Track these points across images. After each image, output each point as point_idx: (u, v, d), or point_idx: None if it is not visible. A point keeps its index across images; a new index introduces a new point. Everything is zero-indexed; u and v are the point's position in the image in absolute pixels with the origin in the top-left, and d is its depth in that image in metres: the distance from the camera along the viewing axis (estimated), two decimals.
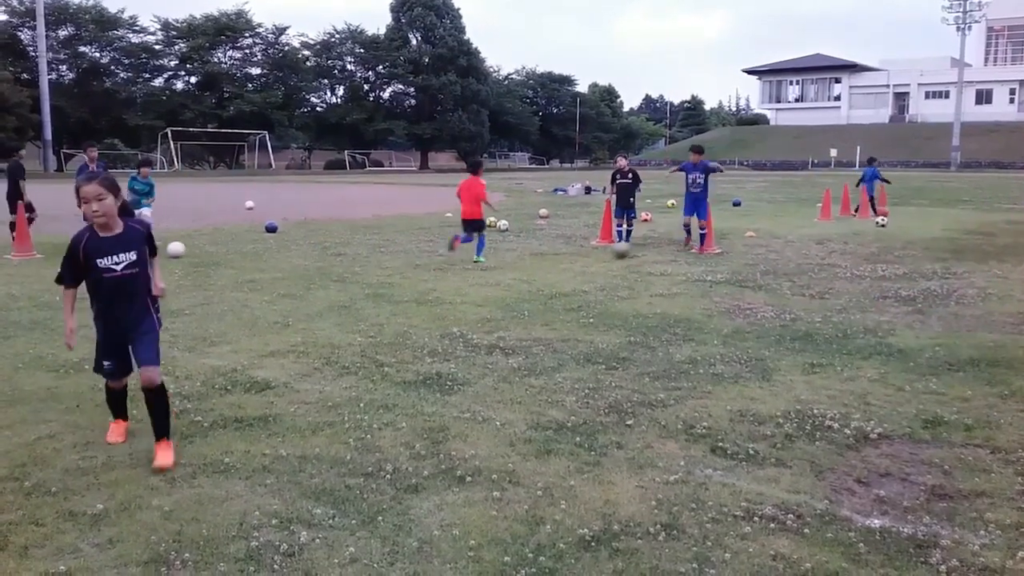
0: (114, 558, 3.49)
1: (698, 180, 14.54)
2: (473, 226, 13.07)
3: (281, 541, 3.61)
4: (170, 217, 20.74)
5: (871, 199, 21.87)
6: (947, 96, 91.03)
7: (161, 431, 4.62)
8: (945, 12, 79.24)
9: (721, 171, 16.44)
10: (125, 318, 4.66)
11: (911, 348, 7.12)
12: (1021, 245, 15.06)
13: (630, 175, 14.96)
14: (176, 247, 13.57)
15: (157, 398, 4.64)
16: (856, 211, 22.26)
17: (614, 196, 15.24)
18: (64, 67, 71.61)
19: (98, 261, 4.51)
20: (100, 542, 3.63)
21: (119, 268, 4.55)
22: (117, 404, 4.99)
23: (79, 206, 4.83)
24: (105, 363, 4.78)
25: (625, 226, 15.13)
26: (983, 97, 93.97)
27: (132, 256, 4.58)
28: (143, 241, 4.71)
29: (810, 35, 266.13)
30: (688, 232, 14.92)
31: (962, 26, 78.25)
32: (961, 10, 78.12)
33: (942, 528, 3.76)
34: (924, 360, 6.71)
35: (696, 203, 14.53)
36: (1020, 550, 3.54)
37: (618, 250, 13.47)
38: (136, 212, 13.90)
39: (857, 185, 22.48)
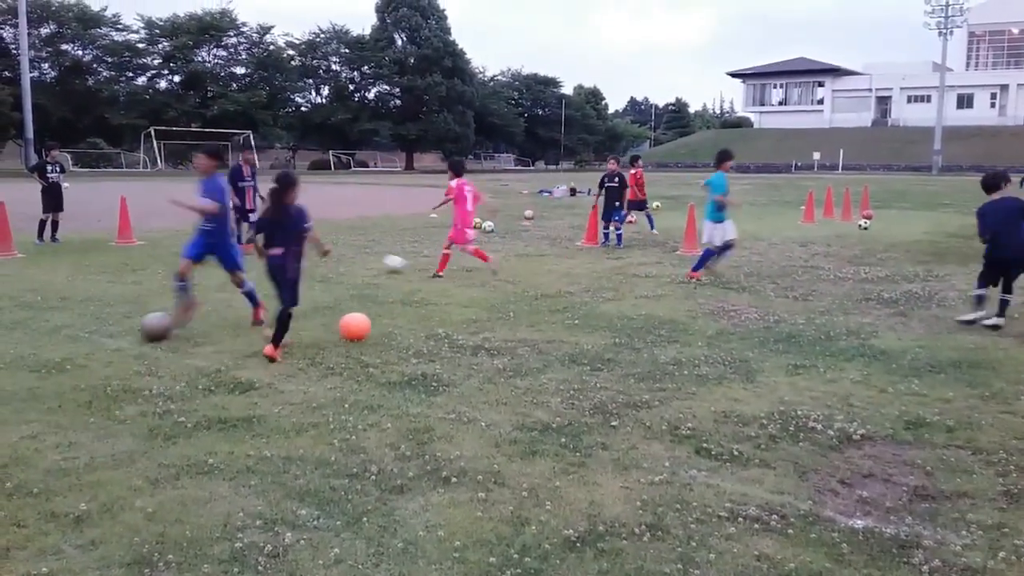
0: (97, 560, 3.47)
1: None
2: (640, 205, 17.79)
3: (265, 542, 3.60)
4: (154, 217, 20.59)
5: None
6: (929, 100, 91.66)
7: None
8: (927, 17, 79.92)
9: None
10: None
11: (893, 350, 7.17)
12: None
13: (617, 179, 14.99)
14: (393, 261, 12.06)
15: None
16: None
17: (601, 199, 15.27)
18: (46, 65, 70.98)
19: None
20: (83, 543, 3.61)
21: None
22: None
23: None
24: None
25: (613, 230, 15.16)
26: (964, 101, 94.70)
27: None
28: None
29: (794, 39, 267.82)
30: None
31: (944, 31, 78.84)
32: (943, 15, 78.75)
33: (924, 528, 3.79)
34: (906, 362, 6.76)
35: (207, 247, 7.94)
36: (1001, 550, 3.57)
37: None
38: (712, 226, 10.96)
39: None
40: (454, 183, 11.39)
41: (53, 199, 15.37)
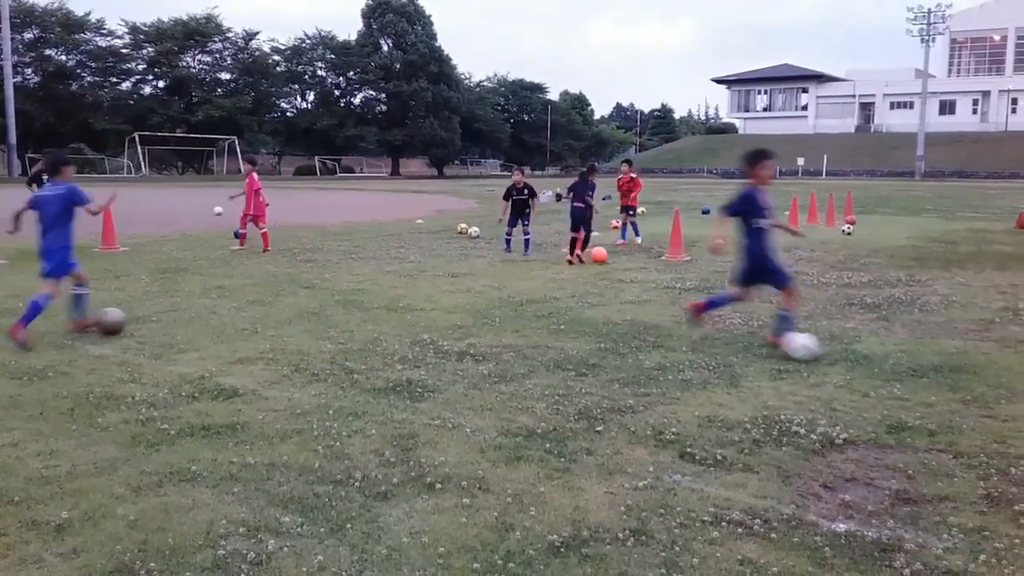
0: (78, 568, 3.45)
1: None
2: (631, 211, 17.35)
3: (248, 550, 3.58)
4: (137, 223, 20.51)
5: None
6: (911, 106, 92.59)
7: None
8: (909, 24, 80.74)
9: None
10: None
11: (876, 354, 7.21)
12: (983, 253, 15.32)
13: (525, 191, 14.94)
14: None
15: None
16: None
17: (509, 209, 15.14)
18: (29, 70, 70.67)
19: None
20: (64, 552, 3.58)
21: None
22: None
23: None
24: None
25: (522, 236, 15.07)
26: (947, 108, 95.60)
27: None
28: None
29: (778, 45, 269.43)
30: None
31: (926, 38, 79.73)
32: (925, 22, 79.55)
33: (906, 532, 3.82)
34: (888, 366, 6.80)
35: None
36: (982, 553, 3.60)
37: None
38: None
39: None
40: (255, 176, 15.39)
41: None
